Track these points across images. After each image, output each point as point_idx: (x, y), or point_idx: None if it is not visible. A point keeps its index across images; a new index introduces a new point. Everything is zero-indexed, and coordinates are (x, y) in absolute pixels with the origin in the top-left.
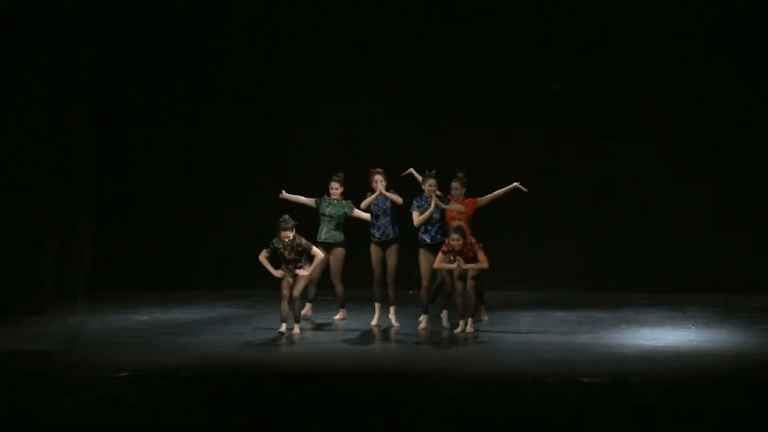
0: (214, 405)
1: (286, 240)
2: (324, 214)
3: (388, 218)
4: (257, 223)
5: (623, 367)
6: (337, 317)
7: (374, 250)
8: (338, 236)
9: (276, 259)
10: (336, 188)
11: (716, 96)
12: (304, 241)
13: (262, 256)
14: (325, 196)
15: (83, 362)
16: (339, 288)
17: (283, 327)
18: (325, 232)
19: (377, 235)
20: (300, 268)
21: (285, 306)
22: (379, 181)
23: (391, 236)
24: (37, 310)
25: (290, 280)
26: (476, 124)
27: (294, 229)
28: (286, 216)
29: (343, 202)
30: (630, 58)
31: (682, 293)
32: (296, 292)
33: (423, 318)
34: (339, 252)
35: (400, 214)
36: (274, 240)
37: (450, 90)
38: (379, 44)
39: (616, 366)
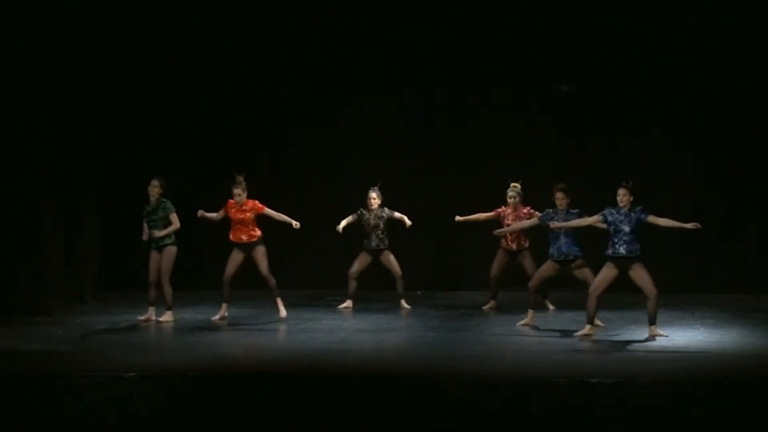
0: (221, 405)
1: (374, 204)
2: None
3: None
4: (264, 224)
5: (631, 367)
6: (162, 318)
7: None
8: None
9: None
10: (155, 185)
11: (722, 96)
12: (386, 210)
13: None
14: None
15: (91, 362)
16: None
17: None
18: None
19: (555, 254)
20: (382, 240)
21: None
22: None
23: (571, 257)
24: (43, 310)
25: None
26: (479, 123)
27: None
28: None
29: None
30: (635, 58)
31: (691, 293)
32: (397, 270)
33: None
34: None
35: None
36: (361, 209)
37: (453, 90)
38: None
39: (625, 366)
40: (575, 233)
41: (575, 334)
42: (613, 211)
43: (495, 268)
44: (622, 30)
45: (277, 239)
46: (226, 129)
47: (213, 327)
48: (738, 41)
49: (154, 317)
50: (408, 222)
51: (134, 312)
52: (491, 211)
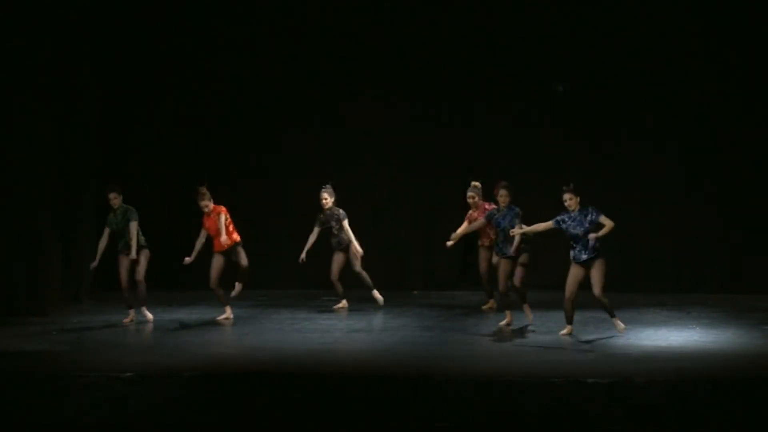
0: (218, 405)
1: (326, 204)
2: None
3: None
4: (259, 224)
5: (627, 367)
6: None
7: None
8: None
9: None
10: (114, 197)
11: (720, 97)
12: (341, 212)
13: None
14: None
15: (87, 362)
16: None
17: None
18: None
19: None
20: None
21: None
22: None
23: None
24: (41, 311)
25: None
26: (479, 123)
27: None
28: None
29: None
30: (635, 58)
31: (687, 293)
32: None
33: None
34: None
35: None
36: (319, 213)
37: (451, 87)
38: (377, 43)
39: (620, 366)
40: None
41: (560, 333)
42: (565, 217)
43: (482, 267)
44: (620, 29)
45: (274, 239)
46: (222, 129)
47: (209, 327)
48: (736, 41)
49: (135, 318)
50: (358, 250)
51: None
52: (465, 221)
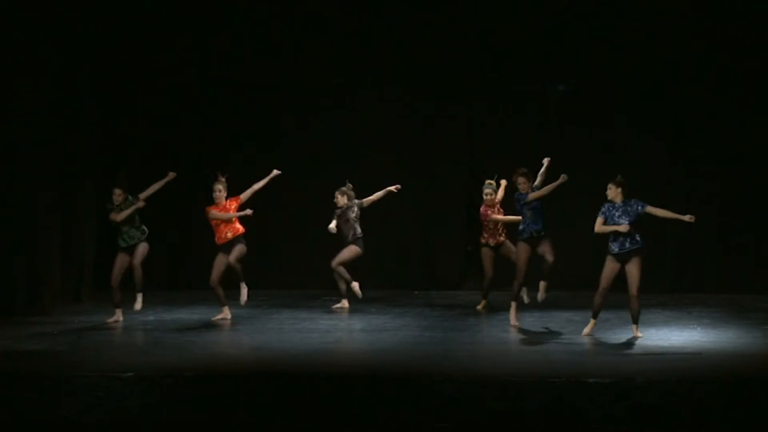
0: (218, 405)
1: (339, 204)
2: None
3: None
4: (259, 224)
5: (628, 367)
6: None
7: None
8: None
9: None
10: (119, 194)
11: (720, 95)
12: (355, 201)
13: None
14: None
15: (88, 362)
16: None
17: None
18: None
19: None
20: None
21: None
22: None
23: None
24: (40, 311)
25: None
26: (478, 121)
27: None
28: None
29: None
30: (634, 56)
31: (688, 293)
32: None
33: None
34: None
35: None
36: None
37: (452, 87)
38: (376, 41)
39: (621, 366)
40: (542, 210)
41: (584, 331)
42: (610, 206)
43: (487, 269)
44: (619, 28)
45: (275, 240)
46: (222, 129)
47: (209, 327)
48: (737, 39)
49: (121, 318)
50: (392, 188)
51: (131, 312)
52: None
